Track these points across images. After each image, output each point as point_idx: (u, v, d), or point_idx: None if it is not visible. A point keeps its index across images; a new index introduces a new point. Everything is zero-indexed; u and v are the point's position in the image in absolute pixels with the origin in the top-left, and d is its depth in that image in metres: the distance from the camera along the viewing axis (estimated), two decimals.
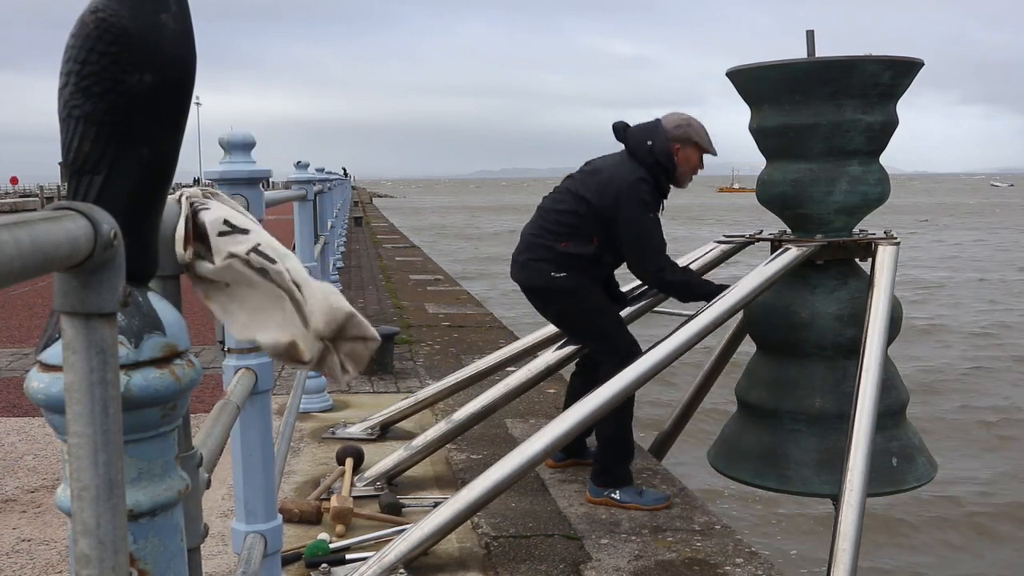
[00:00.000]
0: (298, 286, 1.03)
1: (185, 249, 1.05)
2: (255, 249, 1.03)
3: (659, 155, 3.66)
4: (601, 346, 3.71)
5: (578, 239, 3.64)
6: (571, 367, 4.22)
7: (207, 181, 2.67)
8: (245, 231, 1.04)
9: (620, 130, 3.79)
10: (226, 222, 1.04)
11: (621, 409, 3.55)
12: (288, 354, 1.04)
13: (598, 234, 3.64)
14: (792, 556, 6.54)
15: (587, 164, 3.86)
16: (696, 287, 3.76)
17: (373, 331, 1.09)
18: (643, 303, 4.12)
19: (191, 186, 1.20)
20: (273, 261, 1.03)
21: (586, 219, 3.64)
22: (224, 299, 1.06)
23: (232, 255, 1.03)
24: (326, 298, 1.05)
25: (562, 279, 3.65)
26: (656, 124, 3.73)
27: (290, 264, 1.05)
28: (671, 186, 3.78)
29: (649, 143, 3.68)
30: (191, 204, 1.08)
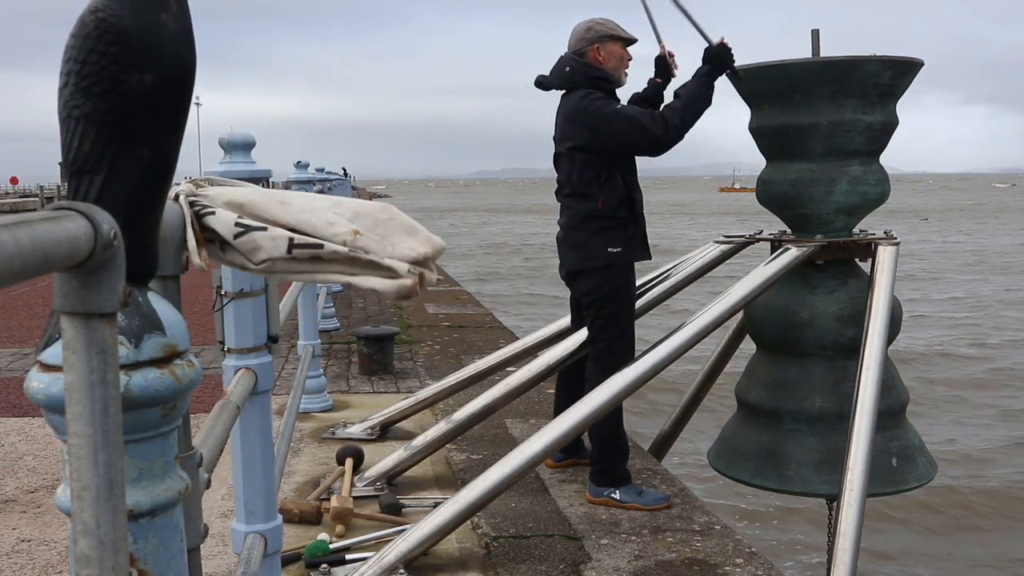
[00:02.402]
0: (362, 250, 0.99)
1: (200, 256, 1.04)
2: (293, 245, 1.00)
3: (584, 71, 3.67)
4: (606, 335, 3.68)
5: (600, 189, 3.61)
6: None
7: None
8: (262, 228, 1.01)
9: (543, 83, 3.80)
10: (238, 224, 1.02)
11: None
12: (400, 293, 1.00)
13: (603, 169, 3.62)
14: (792, 556, 6.54)
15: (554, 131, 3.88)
16: (691, 104, 3.58)
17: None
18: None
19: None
20: (319, 246, 0.99)
21: (585, 165, 3.63)
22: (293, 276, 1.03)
23: (269, 259, 1.00)
24: (402, 228, 1.01)
25: (618, 254, 3.64)
26: (564, 55, 3.76)
27: (335, 221, 1.00)
28: (616, 91, 3.75)
29: (567, 69, 3.70)
30: (191, 205, 1.07)
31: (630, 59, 3.78)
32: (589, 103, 3.60)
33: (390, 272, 1.00)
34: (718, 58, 3.67)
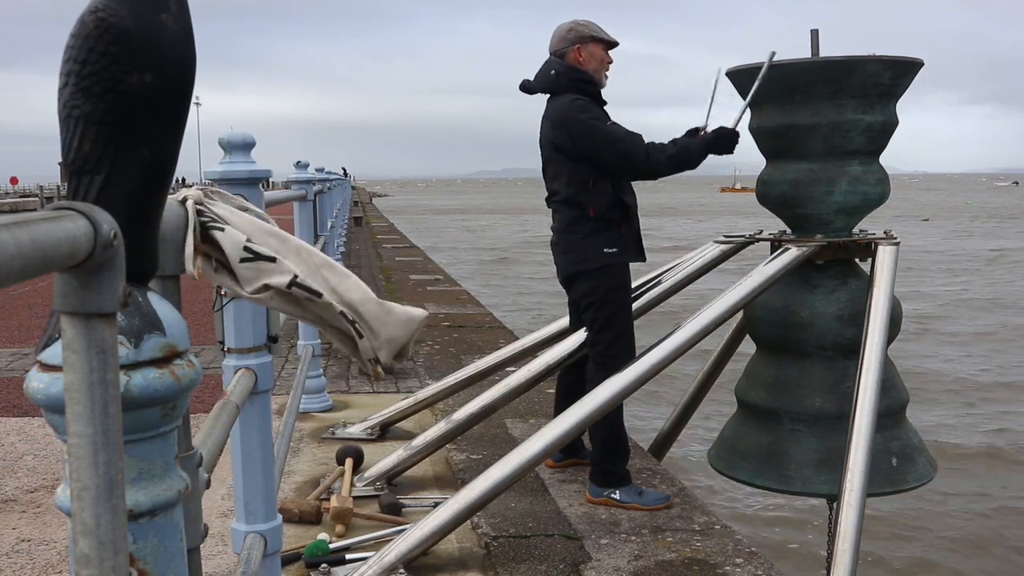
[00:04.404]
0: (353, 309, 1.02)
1: (194, 265, 1.04)
2: (294, 283, 1.01)
3: (568, 74, 3.68)
4: (606, 336, 3.67)
5: (589, 196, 3.61)
6: None
7: (207, 181, 2.67)
8: (271, 259, 1.02)
9: (527, 87, 3.80)
10: (246, 248, 1.03)
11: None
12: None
13: (590, 174, 3.62)
14: (792, 556, 6.54)
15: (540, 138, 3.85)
16: (685, 152, 3.60)
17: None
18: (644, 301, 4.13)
19: (187, 186, 1.20)
20: (319, 295, 1.01)
21: (573, 172, 3.63)
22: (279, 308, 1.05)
23: (268, 287, 1.01)
24: (397, 322, 1.04)
25: (613, 255, 3.64)
26: (549, 58, 3.77)
27: (338, 288, 1.03)
28: (601, 93, 3.75)
29: (553, 72, 3.70)
30: (199, 214, 1.06)
31: (610, 62, 3.78)
32: (577, 111, 3.60)
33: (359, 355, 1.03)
34: (727, 141, 3.67)
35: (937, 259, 27.53)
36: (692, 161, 3.63)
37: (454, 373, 4.71)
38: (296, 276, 1.01)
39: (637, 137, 3.60)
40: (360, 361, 1.03)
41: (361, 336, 1.02)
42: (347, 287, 1.05)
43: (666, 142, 3.66)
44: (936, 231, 41.09)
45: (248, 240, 1.04)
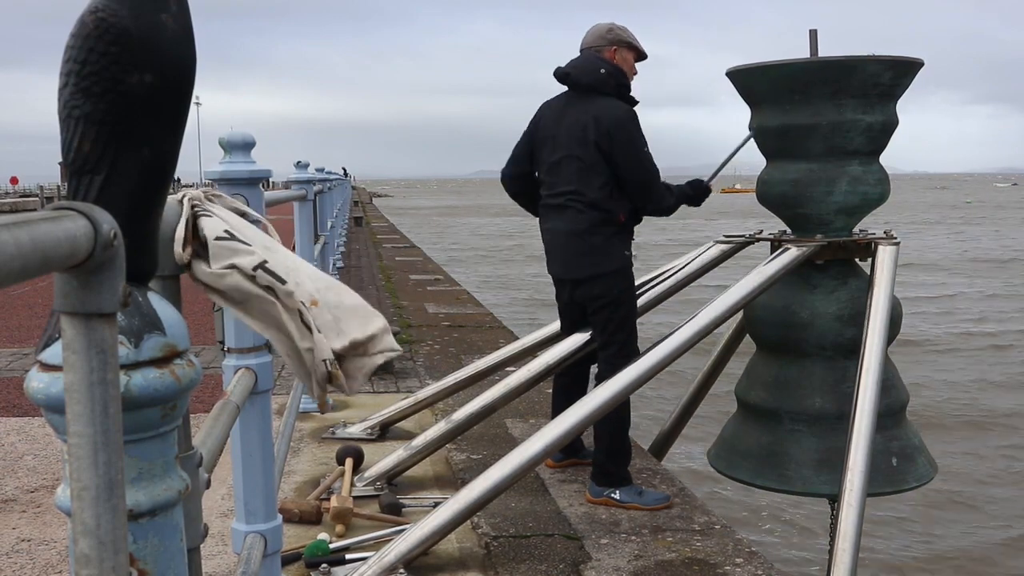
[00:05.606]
0: (312, 305, 1.03)
1: (183, 249, 1.05)
2: (262, 266, 1.02)
3: (617, 77, 3.68)
4: (619, 337, 3.66)
5: (616, 202, 3.61)
6: None
7: (207, 181, 2.67)
8: (248, 244, 1.03)
9: (566, 75, 3.73)
10: (226, 230, 1.04)
11: (617, 409, 3.54)
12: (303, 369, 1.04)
13: (614, 178, 3.62)
14: (792, 556, 6.55)
15: (543, 129, 3.77)
16: (676, 202, 3.79)
17: (395, 345, 1.08)
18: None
19: (189, 187, 1.21)
20: (283, 281, 1.02)
21: (610, 178, 3.61)
22: (239, 310, 1.05)
23: (234, 267, 1.02)
24: (355, 312, 1.04)
25: (628, 257, 3.67)
26: (590, 53, 3.73)
27: (302, 280, 1.03)
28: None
29: (603, 71, 3.67)
30: (192, 207, 1.08)
31: (636, 73, 3.78)
32: (633, 127, 3.58)
33: (310, 357, 1.04)
34: (697, 198, 3.87)
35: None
36: (672, 211, 3.79)
37: (454, 373, 4.71)
38: (265, 261, 1.03)
39: (659, 175, 3.70)
40: (305, 369, 1.03)
41: (312, 332, 1.03)
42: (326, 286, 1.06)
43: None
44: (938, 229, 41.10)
45: (231, 228, 1.05)
